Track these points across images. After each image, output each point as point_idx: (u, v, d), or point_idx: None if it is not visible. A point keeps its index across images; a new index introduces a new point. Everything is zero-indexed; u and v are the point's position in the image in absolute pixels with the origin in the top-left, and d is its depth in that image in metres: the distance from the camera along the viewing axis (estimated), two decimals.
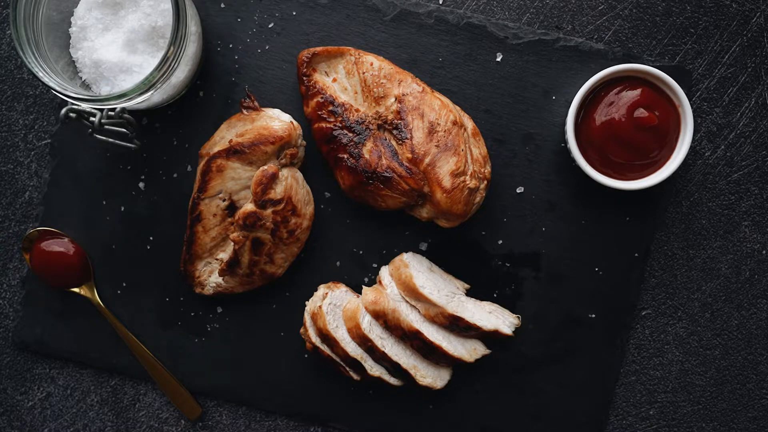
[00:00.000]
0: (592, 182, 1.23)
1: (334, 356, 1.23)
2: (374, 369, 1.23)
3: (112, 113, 1.13)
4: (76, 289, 1.30)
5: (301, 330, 1.25)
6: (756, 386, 1.30)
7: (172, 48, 1.11)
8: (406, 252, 1.26)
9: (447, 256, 1.28)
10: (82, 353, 1.31)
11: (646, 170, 1.21)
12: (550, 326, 1.28)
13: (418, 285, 1.20)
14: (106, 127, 1.14)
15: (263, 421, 1.32)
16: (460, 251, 1.28)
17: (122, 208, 1.30)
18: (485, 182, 1.21)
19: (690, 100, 1.27)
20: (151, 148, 1.29)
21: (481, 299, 1.28)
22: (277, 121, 1.22)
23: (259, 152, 1.21)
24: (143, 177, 1.29)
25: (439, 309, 1.21)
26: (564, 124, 1.26)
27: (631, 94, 1.19)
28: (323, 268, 1.29)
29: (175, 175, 1.29)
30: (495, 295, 1.28)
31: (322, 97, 1.23)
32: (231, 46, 1.28)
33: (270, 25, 1.28)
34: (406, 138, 1.19)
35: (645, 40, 1.29)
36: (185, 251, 1.26)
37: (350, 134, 1.21)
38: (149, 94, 1.13)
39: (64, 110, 1.13)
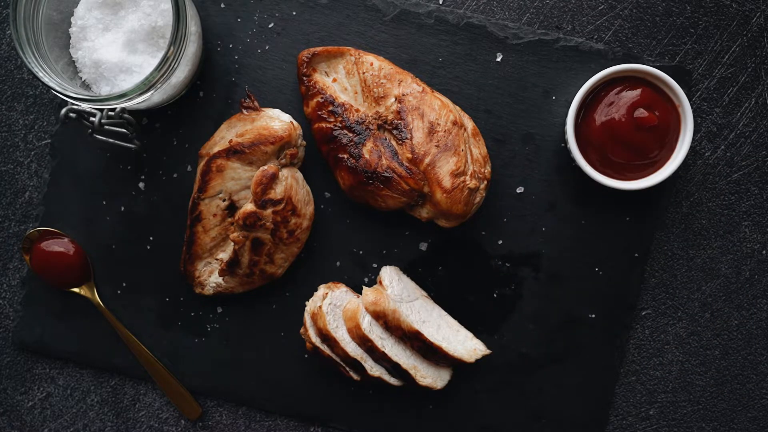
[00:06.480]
0: (592, 182, 1.23)
1: (334, 356, 1.23)
2: (374, 369, 1.23)
3: (112, 113, 1.13)
4: (76, 289, 1.29)
5: (301, 330, 1.25)
6: (756, 386, 1.30)
7: (172, 48, 1.11)
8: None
9: (447, 256, 1.28)
10: (82, 353, 1.31)
11: (646, 170, 1.21)
12: (550, 326, 1.28)
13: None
14: (106, 127, 1.14)
15: (263, 421, 1.31)
16: (460, 251, 1.28)
17: (122, 208, 1.30)
18: (485, 182, 1.21)
19: (690, 100, 1.27)
20: (151, 148, 1.29)
21: (481, 299, 1.28)
22: (277, 121, 1.22)
23: (259, 152, 1.21)
24: (143, 177, 1.29)
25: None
26: (564, 124, 1.26)
27: (631, 94, 1.19)
28: (323, 268, 1.29)
29: (175, 175, 1.29)
30: (495, 295, 1.28)
31: (322, 97, 1.22)
32: (231, 46, 1.28)
33: (270, 25, 1.28)
34: (406, 138, 1.19)
35: (645, 40, 1.29)
36: (185, 251, 1.26)
37: (350, 134, 1.21)
38: (149, 94, 1.13)
39: (64, 110, 1.13)
